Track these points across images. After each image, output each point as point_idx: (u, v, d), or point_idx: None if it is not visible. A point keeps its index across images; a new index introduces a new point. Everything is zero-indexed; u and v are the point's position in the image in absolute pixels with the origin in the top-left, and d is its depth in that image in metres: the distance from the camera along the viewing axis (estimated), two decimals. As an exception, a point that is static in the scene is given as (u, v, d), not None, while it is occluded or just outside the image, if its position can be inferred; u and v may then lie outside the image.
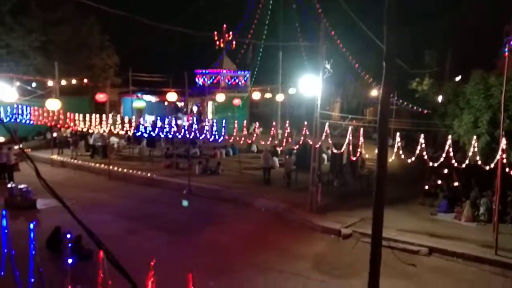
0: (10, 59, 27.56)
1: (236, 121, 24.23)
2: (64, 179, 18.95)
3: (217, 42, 26.26)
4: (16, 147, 19.04)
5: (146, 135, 20.55)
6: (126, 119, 19.90)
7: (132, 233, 12.64)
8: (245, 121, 20.18)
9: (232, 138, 19.18)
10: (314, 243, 12.17)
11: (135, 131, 19.63)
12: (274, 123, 21.35)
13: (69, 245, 6.76)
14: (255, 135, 22.08)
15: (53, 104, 19.95)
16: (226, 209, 15.40)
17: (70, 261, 6.21)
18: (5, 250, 7.27)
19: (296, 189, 16.87)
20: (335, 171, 18.61)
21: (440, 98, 20.52)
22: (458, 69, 23.63)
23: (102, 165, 20.61)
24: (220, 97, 27.14)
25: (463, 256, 11.08)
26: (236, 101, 27.56)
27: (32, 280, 6.86)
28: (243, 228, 13.34)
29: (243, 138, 18.60)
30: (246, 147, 24.72)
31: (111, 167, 19.80)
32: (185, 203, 15.49)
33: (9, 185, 15.75)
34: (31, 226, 6.70)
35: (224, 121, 19.26)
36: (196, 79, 33.78)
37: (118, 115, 23.34)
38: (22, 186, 15.22)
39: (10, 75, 23.43)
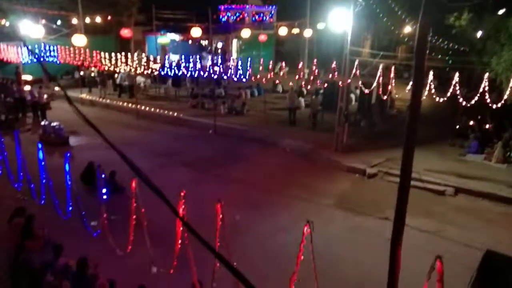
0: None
1: (261, 60, 23.67)
2: (94, 117, 19.09)
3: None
4: (53, 88, 19.41)
5: (171, 75, 20.48)
6: (151, 58, 19.77)
7: (161, 168, 13.07)
8: (270, 61, 19.70)
9: (258, 78, 18.86)
10: (338, 182, 12.28)
11: (160, 70, 19.56)
12: (301, 62, 20.75)
13: (103, 178, 7.03)
14: (281, 74, 21.62)
15: (79, 40, 19.89)
16: (251, 148, 15.57)
17: (104, 191, 6.50)
18: (44, 181, 7.69)
19: (322, 129, 16.74)
20: (363, 111, 18.22)
21: (479, 34, 19.18)
22: (502, 1, 21.75)
23: (130, 104, 20.93)
24: (246, 33, 26.22)
25: (490, 197, 10.96)
26: (262, 37, 26.64)
27: (70, 208, 7.29)
28: (268, 166, 13.54)
29: (268, 78, 18.27)
30: (272, 87, 24.37)
31: (138, 106, 20.09)
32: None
33: (42, 123, 16.31)
34: (67, 158, 6.96)
35: (249, 60, 18.80)
36: (220, 16, 32.72)
37: (143, 54, 23.16)
38: (54, 123, 15.74)
39: (35, 9, 23.31)
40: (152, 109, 20.28)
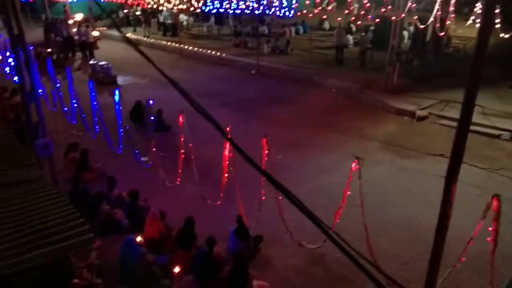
0: None
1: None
2: (139, 57, 19.55)
3: None
4: (95, 31, 19.56)
5: (214, 12, 19.95)
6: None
7: (207, 108, 13.15)
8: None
9: (303, 13, 17.93)
10: (385, 125, 11.85)
11: (203, 7, 19.07)
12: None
13: (152, 117, 7.20)
14: (328, 9, 20.38)
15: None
16: (294, 89, 15.22)
17: (149, 124, 6.64)
18: (96, 119, 7.98)
19: (371, 69, 15.95)
20: (416, 49, 17.04)
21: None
22: None
23: (174, 44, 20.84)
24: None
25: (550, 143, 10.19)
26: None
27: (122, 142, 7.58)
28: (313, 107, 13.25)
29: (315, 13, 17.29)
30: (318, 24, 23.20)
31: (182, 45, 19.97)
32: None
33: (91, 62, 16.70)
34: (116, 95, 7.11)
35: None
36: None
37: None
38: (103, 63, 16.06)
39: None
40: (196, 49, 20.11)
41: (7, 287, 3.88)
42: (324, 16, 21.93)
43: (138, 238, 5.97)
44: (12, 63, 11.72)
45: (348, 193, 4.31)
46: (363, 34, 17.75)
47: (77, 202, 7.37)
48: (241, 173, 5.95)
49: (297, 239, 5.93)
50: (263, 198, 5.01)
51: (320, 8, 19.22)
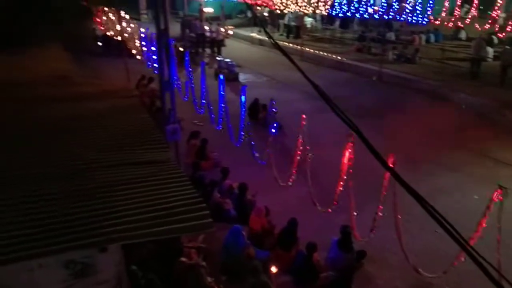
0: None
1: (446, 1, 20.52)
2: (261, 57, 20.39)
3: None
4: (225, 28, 20.85)
5: (340, 15, 19.65)
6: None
7: (319, 112, 13.01)
8: (458, 1, 16.90)
9: (439, 21, 16.55)
10: (526, 152, 10.30)
11: (330, 10, 18.91)
12: (498, 3, 17.18)
13: (269, 113, 7.39)
14: (468, 18, 18.49)
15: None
16: (418, 101, 14.17)
17: (273, 130, 6.78)
18: (222, 112, 8.47)
19: (512, 87, 14.05)
20: None
21: None
22: None
23: (295, 45, 21.12)
24: None
25: None
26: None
27: (242, 133, 7.93)
28: (436, 122, 12.17)
29: (451, 22, 15.84)
30: (453, 33, 21.22)
31: (303, 47, 20.13)
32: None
33: (218, 58, 17.86)
34: (243, 91, 7.43)
35: (431, 0, 16.49)
36: None
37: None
38: (228, 60, 17.05)
39: None
40: (316, 51, 20.07)
41: (129, 254, 4.35)
42: (460, 25, 19.97)
43: (243, 230, 6.17)
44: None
45: (484, 225, 3.80)
46: (507, 47, 15.68)
47: (194, 186, 7.96)
48: (358, 183, 5.73)
49: (405, 263, 5.50)
50: (380, 214, 4.72)
51: (457, 16, 17.53)
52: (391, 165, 4.03)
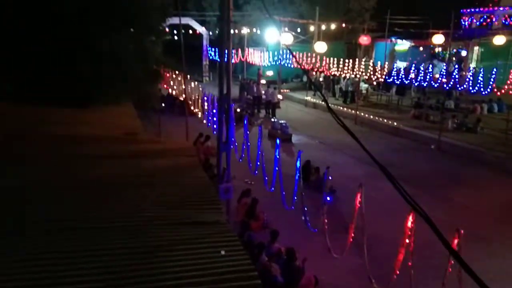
0: (280, 7, 31.00)
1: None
2: (315, 119, 20.67)
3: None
4: (280, 91, 21.67)
5: (396, 82, 19.70)
6: (378, 65, 19.50)
7: (373, 178, 12.68)
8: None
9: (503, 90, 16.02)
10: None
11: (386, 77, 19.06)
12: None
13: (322, 178, 7.34)
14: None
15: (320, 47, 21.51)
16: (481, 173, 13.42)
17: (328, 198, 6.70)
18: (275, 175, 8.53)
19: None
20: None
21: None
22: None
23: (350, 110, 21.24)
24: (499, 40, 22.64)
25: None
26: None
27: (295, 198, 7.86)
28: (504, 196, 11.36)
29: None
30: (518, 104, 20.32)
31: (358, 112, 20.18)
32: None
33: (272, 120, 18.37)
34: (299, 156, 7.48)
35: (494, 70, 16.12)
36: (462, 20, 29.38)
37: (370, 61, 23.14)
38: (282, 121, 17.47)
39: (287, 19, 26.47)
40: (371, 116, 20.01)
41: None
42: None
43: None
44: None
45: None
46: None
47: (245, 252, 7.86)
48: (418, 257, 5.37)
49: None
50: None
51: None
52: (455, 242, 3.76)
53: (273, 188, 9.44)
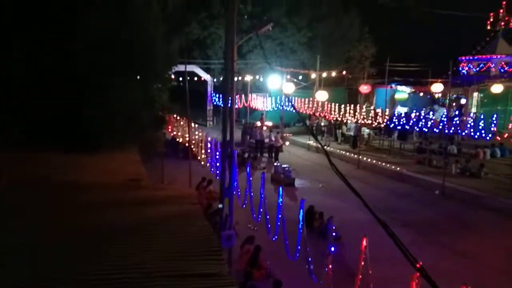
0: (282, 55, 32.00)
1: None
2: (316, 163, 20.67)
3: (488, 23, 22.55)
4: (282, 136, 21.94)
5: (398, 128, 19.90)
6: (379, 111, 19.80)
7: (377, 224, 12.51)
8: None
9: (505, 136, 16.11)
10: None
11: (388, 122, 19.28)
12: None
13: (328, 225, 7.23)
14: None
15: (322, 95, 22.02)
16: (486, 218, 13.20)
17: (332, 248, 6.59)
18: (278, 222, 8.41)
19: None
20: None
21: None
22: None
23: (352, 154, 21.30)
24: (497, 88, 23.15)
25: None
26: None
27: (299, 247, 7.69)
28: (509, 244, 11.09)
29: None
30: (521, 148, 20.36)
31: (360, 157, 20.22)
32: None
33: (275, 164, 18.39)
34: (302, 206, 7.41)
35: (495, 116, 16.32)
36: (460, 67, 30.14)
37: (372, 106, 23.53)
38: (284, 165, 17.47)
39: (288, 69, 27.30)
40: (374, 161, 20.01)
41: None
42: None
43: None
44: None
45: None
46: None
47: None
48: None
49: None
50: None
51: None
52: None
53: (276, 237, 9.27)
